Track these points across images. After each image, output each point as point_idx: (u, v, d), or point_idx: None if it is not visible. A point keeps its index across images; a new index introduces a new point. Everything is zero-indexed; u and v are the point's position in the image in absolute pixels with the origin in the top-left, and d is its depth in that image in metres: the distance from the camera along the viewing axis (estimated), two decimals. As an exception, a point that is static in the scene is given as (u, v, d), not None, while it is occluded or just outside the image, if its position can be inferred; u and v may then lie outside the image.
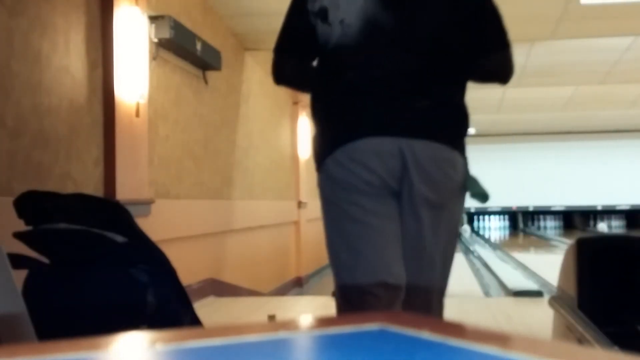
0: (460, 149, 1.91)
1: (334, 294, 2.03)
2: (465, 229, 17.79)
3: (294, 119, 9.56)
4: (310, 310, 5.40)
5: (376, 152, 1.82)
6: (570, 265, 2.51)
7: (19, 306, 1.56)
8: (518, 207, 18.15)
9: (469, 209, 17.98)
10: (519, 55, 8.29)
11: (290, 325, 0.67)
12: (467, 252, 12.77)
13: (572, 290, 2.48)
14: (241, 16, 6.38)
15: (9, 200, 2.01)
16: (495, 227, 18.89)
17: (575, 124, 15.62)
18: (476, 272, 9.17)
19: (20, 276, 1.80)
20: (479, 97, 11.41)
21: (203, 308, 4.81)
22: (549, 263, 6.80)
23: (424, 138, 1.83)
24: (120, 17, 4.09)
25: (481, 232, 18.17)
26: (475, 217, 18.77)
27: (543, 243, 15.39)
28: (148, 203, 4.38)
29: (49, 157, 3.43)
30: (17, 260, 1.73)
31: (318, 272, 9.59)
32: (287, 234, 8.90)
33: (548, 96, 11.17)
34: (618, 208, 17.90)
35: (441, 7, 1.90)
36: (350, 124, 1.85)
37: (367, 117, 1.84)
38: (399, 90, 1.84)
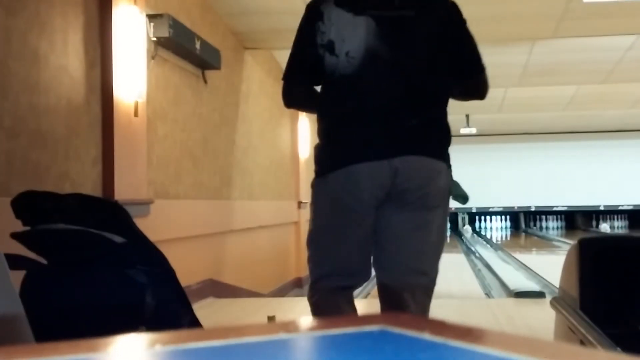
0: (444, 159, 2.21)
1: None
2: (467, 229, 17.80)
3: (294, 118, 9.55)
4: (310, 311, 5.38)
5: (370, 173, 2.12)
6: (573, 265, 2.50)
7: (16, 307, 1.54)
8: (520, 207, 18.16)
9: (471, 209, 18.00)
10: (521, 54, 8.32)
11: (290, 326, 0.66)
12: (469, 252, 12.77)
13: (574, 291, 2.47)
14: (241, 15, 6.38)
15: (7, 201, 1.99)
16: (496, 228, 18.89)
17: (577, 123, 15.63)
18: (477, 273, 9.16)
19: (17, 277, 1.78)
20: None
21: (202, 309, 4.80)
22: (551, 264, 6.80)
23: (413, 153, 2.13)
24: (119, 16, 4.08)
25: (483, 233, 18.17)
26: (477, 218, 18.78)
27: (545, 243, 15.40)
28: (147, 203, 4.37)
29: (47, 157, 3.42)
30: (14, 261, 1.71)
31: (318, 273, 9.56)
32: (287, 234, 8.90)
33: (550, 95, 11.17)
34: (621, 208, 17.91)
35: (430, 39, 2.20)
36: (349, 149, 2.14)
37: (364, 144, 2.12)
38: (392, 114, 2.12)
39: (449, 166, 2.24)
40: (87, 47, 3.84)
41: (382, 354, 0.56)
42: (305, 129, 9.58)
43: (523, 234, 18.26)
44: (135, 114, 4.25)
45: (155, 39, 4.65)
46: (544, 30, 6.98)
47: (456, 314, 4.74)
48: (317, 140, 2.27)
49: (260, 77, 7.63)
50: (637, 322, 2.38)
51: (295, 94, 2.30)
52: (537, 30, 7.04)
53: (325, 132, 2.21)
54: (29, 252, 1.97)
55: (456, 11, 2.26)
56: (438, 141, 2.20)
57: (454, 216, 18.47)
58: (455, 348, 0.56)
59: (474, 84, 2.35)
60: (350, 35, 2.13)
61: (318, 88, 2.28)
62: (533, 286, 6.81)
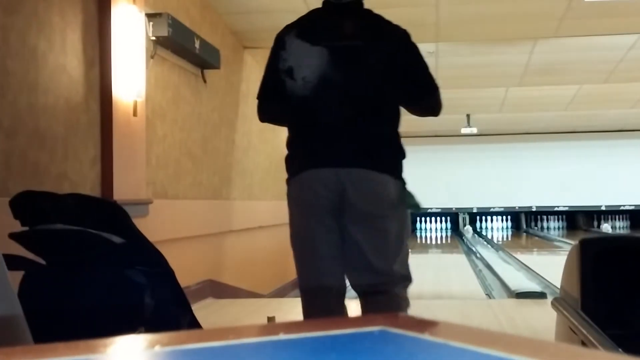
0: (391, 172, 2.50)
1: None
2: (468, 229, 17.80)
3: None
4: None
5: (321, 179, 2.46)
6: (574, 266, 2.49)
7: (14, 308, 1.53)
8: (521, 208, 18.15)
9: (472, 209, 17.99)
10: (522, 53, 8.31)
11: (289, 327, 0.65)
12: (470, 252, 12.76)
13: (575, 291, 2.46)
14: (240, 14, 6.37)
15: (5, 201, 1.99)
16: (497, 228, 18.88)
17: (579, 123, 15.63)
18: (478, 273, 9.16)
19: (16, 277, 1.77)
20: (481, 96, 11.42)
21: (201, 310, 4.80)
22: (552, 264, 6.78)
23: (356, 167, 2.45)
24: (118, 15, 4.07)
25: (483, 233, 18.16)
26: (478, 218, 18.77)
27: (546, 244, 15.38)
28: (146, 203, 4.37)
29: (46, 157, 3.42)
30: (13, 262, 1.70)
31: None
32: (287, 234, 8.86)
33: (551, 95, 11.16)
34: (622, 208, 17.89)
35: (377, 66, 2.50)
36: (305, 159, 2.51)
37: (317, 154, 2.48)
38: (340, 132, 2.46)
39: (398, 178, 2.53)
40: (86, 46, 3.84)
41: (382, 354, 0.56)
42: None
43: (524, 234, 18.25)
44: (134, 114, 4.25)
45: (154, 38, 4.65)
46: (545, 29, 6.97)
47: (457, 314, 4.73)
48: None
49: (260, 77, 7.62)
50: (638, 323, 2.37)
51: (267, 111, 2.65)
52: (538, 29, 7.04)
53: (289, 144, 2.59)
54: (28, 252, 1.96)
55: (406, 40, 2.55)
56: (383, 156, 2.50)
57: (454, 216, 18.48)
58: (456, 348, 0.56)
59: (425, 105, 2.64)
60: (307, 62, 2.48)
61: None
62: (534, 287, 6.80)
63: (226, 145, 6.54)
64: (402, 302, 2.56)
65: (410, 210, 2.64)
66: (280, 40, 2.57)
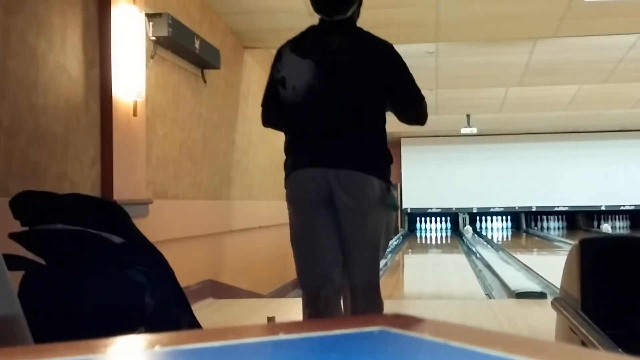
0: (376, 173, 2.71)
1: None
2: (468, 229, 17.78)
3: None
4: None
5: (312, 178, 2.69)
6: (574, 266, 2.49)
7: (14, 308, 1.53)
8: (521, 208, 18.15)
9: (472, 209, 17.99)
10: (522, 53, 8.32)
11: (289, 327, 0.65)
12: (470, 253, 12.75)
13: (575, 291, 2.46)
14: (240, 14, 6.37)
15: (5, 201, 1.98)
16: (497, 228, 18.87)
17: (579, 123, 15.64)
18: (478, 273, 9.15)
19: (16, 278, 1.77)
20: (481, 96, 11.41)
21: (201, 310, 4.80)
22: (552, 264, 6.78)
23: (344, 168, 2.67)
24: (118, 15, 4.07)
25: (483, 233, 18.14)
26: (478, 218, 18.77)
27: (546, 244, 15.37)
28: (146, 203, 4.37)
29: (46, 157, 3.41)
30: (13, 262, 1.70)
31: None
32: (287, 234, 8.86)
33: (551, 95, 11.17)
34: (622, 208, 17.90)
35: (362, 77, 2.72)
36: (297, 160, 2.75)
37: (307, 156, 2.72)
38: (327, 136, 2.69)
39: (382, 179, 2.73)
40: (86, 46, 3.84)
41: (382, 354, 0.56)
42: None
43: (524, 234, 18.24)
44: (134, 114, 4.25)
45: (154, 38, 4.65)
46: (545, 29, 6.97)
47: (457, 314, 4.73)
48: None
49: (260, 77, 7.62)
50: (638, 323, 2.37)
51: (268, 117, 2.87)
52: (538, 29, 7.03)
53: (285, 148, 2.84)
54: (28, 252, 1.96)
55: (392, 53, 2.76)
56: (368, 158, 2.71)
57: (454, 217, 18.48)
58: (456, 348, 0.56)
59: (411, 114, 2.87)
60: (297, 74, 2.73)
61: None
62: (534, 287, 6.79)
63: (226, 145, 6.54)
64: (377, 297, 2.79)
65: (386, 209, 2.82)
66: (279, 53, 2.84)
